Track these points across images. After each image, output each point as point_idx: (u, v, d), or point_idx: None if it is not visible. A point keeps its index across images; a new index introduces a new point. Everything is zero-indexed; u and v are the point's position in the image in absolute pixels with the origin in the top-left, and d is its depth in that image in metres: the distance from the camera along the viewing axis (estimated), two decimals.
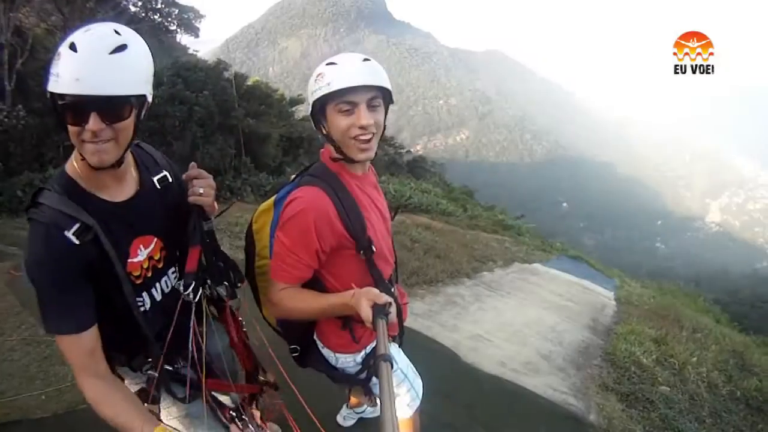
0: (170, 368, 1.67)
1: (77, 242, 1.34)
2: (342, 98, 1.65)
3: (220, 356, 1.85)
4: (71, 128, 1.27)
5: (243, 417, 1.82)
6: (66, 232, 1.33)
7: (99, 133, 1.27)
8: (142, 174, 1.59)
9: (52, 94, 1.24)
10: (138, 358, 1.63)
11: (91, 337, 1.41)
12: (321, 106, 1.71)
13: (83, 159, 1.35)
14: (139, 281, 1.55)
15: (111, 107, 1.27)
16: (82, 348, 1.39)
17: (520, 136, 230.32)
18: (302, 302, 1.75)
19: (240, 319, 1.94)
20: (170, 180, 1.67)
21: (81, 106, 1.24)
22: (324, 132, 1.77)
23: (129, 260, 1.51)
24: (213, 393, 1.82)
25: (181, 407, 1.76)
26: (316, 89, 1.69)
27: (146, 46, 1.39)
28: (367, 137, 1.70)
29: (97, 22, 1.33)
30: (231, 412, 1.81)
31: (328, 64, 1.69)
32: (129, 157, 1.53)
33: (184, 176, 1.67)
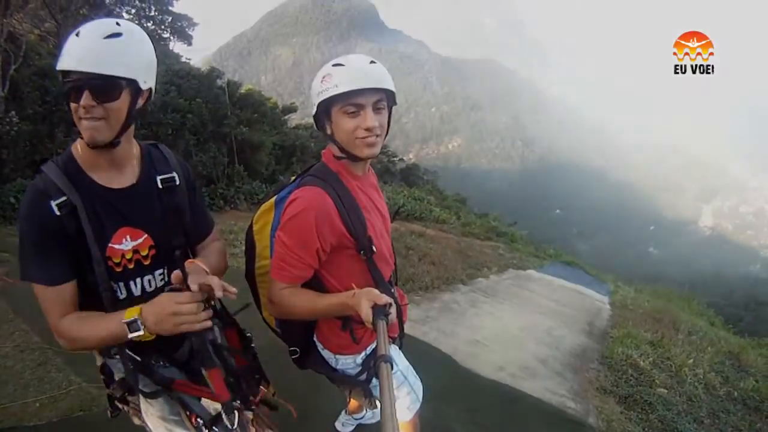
0: (138, 359, 1.66)
1: (58, 213, 1.43)
2: (349, 100, 1.65)
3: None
4: (72, 106, 1.41)
5: (214, 428, 1.78)
6: (51, 201, 1.43)
7: (90, 110, 1.39)
8: (145, 169, 1.64)
9: (60, 73, 1.40)
10: (110, 349, 1.67)
11: (66, 290, 1.50)
12: (326, 107, 1.71)
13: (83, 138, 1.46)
14: (118, 269, 1.58)
15: (102, 86, 1.39)
16: (58, 298, 1.49)
17: (512, 144, 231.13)
18: (302, 302, 1.74)
19: (249, 334, 1.92)
20: (177, 182, 1.70)
21: (78, 85, 1.37)
22: (327, 132, 1.77)
23: (109, 245, 1.54)
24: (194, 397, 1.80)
25: (157, 407, 1.75)
26: (322, 90, 1.68)
27: (146, 39, 1.52)
28: (373, 139, 1.70)
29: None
30: (198, 419, 1.78)
31: (334, 65, 1.69)
32: (132, 149, 1.62)
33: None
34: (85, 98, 1.37)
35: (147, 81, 1.49)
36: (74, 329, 1.48)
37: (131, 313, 1.40)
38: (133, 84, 1.44)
